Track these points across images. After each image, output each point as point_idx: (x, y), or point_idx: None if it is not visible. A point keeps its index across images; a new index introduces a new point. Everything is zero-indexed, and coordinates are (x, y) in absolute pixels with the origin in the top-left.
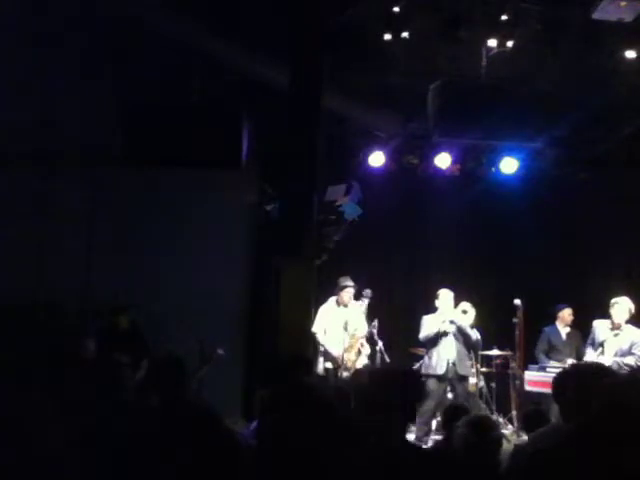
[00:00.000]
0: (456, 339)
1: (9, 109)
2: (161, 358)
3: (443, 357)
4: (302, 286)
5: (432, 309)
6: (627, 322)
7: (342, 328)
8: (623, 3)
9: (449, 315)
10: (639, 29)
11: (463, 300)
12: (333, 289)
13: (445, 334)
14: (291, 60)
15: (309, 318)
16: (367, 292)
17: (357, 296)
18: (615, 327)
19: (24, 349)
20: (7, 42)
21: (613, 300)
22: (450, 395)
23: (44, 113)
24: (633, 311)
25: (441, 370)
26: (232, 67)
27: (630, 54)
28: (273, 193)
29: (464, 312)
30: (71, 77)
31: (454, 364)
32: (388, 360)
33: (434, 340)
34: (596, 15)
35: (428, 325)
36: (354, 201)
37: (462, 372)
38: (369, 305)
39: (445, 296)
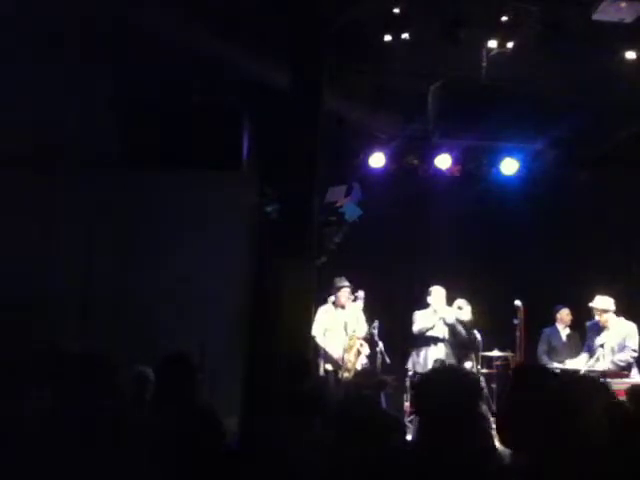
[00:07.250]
0: (446, 341)
1: (9, 109)
2: (171, 357)
3: (431, 356)
4: (302, 287)
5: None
6: (617, 315)
7: (342, 330)
8: (623, 4)
9: (442, 313)
10: (639, 29)
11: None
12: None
13: (437, 339)
14: (291, 60)
15: (309, 319)
16: (360, 293)
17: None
18: (603, 327)
19: (23, 349)
20: (7, 42)
21: (590, 305)
22: None
23: (44, 113)
24: (612, 305)
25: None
26: (232, 67)
27: (630, 54)
28: (273, 194)
29: (459, 308)
30: (71, 77)
31: (442, 363)
32: (389, 361)
33: (426, 339)
34: (596, 16)
35: (422, 319)
36: (354, 202)
37: None
38: (365, 305)
39: (437, 293)
